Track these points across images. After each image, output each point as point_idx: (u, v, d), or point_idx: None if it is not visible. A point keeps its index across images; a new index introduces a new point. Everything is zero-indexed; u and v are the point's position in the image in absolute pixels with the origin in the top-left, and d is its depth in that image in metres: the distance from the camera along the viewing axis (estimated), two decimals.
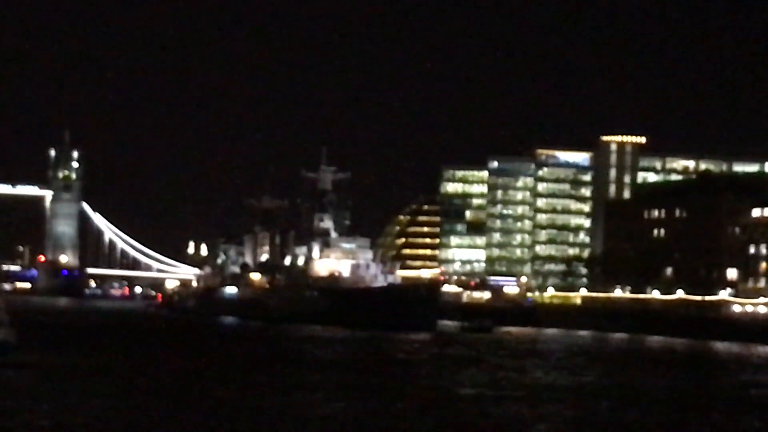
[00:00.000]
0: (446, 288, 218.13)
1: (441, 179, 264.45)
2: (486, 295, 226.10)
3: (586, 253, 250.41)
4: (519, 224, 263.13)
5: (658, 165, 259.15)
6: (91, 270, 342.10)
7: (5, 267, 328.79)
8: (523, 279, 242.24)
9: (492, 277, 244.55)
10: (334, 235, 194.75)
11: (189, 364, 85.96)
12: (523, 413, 58.95)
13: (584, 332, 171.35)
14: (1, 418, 51.72)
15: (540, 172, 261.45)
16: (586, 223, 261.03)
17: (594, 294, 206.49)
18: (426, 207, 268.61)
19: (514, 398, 65.99)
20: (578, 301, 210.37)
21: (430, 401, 63.75)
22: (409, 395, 66.88)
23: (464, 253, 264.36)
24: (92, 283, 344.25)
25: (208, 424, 52.23)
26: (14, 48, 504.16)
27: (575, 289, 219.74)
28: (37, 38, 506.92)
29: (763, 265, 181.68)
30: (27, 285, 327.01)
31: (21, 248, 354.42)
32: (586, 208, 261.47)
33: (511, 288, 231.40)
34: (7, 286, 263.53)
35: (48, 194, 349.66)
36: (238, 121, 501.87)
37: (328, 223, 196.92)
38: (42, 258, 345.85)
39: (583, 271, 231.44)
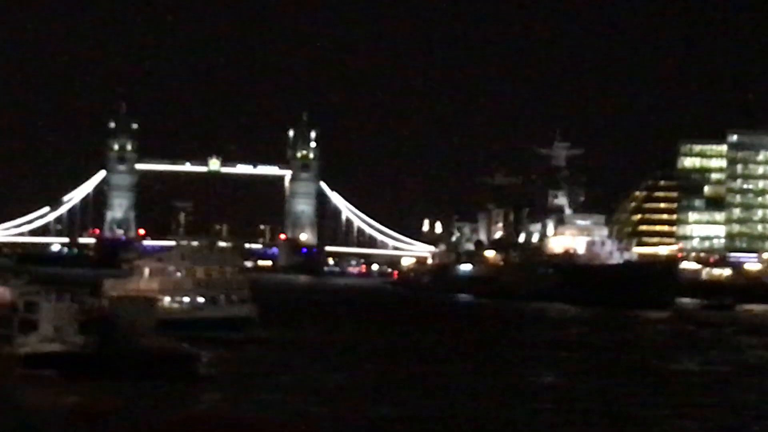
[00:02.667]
0: (684, 265, 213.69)
1: (678, 154, 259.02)
2: (726, 272, 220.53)
3: None
4: (760, 199, 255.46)
5: None
6: (329, 248, 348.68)
7: (247, 245, 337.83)
8: (766, 255, 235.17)
9: (732, 254, 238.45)
10: (568, 211, 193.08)
11: (421, 340, 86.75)
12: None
13: None
14: (241, 392, 53.33)
15: None
16: None
17: None
18: (663, 182, 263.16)
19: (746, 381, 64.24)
20: None
21: (659, 380, 62.67)
22: (640, 374, 65.91)
23: (703, 229, 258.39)
24: (330, 261, 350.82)
25: (432, 399, 52.66)
26: (255, 32, 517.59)
27: None
28: (279, 21, 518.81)
29: None
30: (268, 263, 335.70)
31: (262, 227, 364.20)
32: None
33: (752, 264, 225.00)
34: (249, 264, 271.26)
35: (287, 174, 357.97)
36: (471, 98, 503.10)
37: (562, 200, 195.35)
38: (282, 236, 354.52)
39: None
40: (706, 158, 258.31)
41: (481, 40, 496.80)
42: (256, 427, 38.32)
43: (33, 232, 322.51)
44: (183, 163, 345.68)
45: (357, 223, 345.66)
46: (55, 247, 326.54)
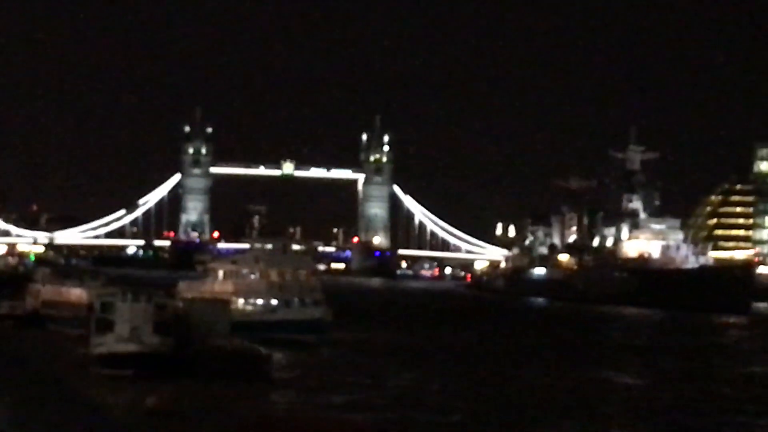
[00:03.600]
0: (761, 269, 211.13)
1: (755, 157, 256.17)
2: None
3: None
4: None
5: None
6: (402, 251, 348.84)
7: (321, 248, 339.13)
8: None
9: None
10: (643, 215, 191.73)
11: (495, 342, 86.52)
12: None
13: None
14: (314, 393, 53.52)
15: None
16: None
17: None
18: (739, 186, 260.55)
19: None
20: None
21: (736, 385, 61.94)
22: (716, 378, 65.19)
23: None
24: (403, 264, 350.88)
25: (507, 403, 52.47)
26: (328, 36, 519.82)
27: None
28: (353, 24, 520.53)
29: None
30: (341, 266, 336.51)
31: (335, 230, 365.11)
32: None
33: None
34: (322, 267, 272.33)
35: (360, 177, 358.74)
36: (546, 101, 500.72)
37: (636, 204, 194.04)
38: (355, 239, 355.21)
39: None
40: None
41: (558, 44, 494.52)
42: (329, 428, 38.41)
43: (109, 235, 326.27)
44: (257, 167, 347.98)
45: (430, 226, 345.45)
46: (131, 250, 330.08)
